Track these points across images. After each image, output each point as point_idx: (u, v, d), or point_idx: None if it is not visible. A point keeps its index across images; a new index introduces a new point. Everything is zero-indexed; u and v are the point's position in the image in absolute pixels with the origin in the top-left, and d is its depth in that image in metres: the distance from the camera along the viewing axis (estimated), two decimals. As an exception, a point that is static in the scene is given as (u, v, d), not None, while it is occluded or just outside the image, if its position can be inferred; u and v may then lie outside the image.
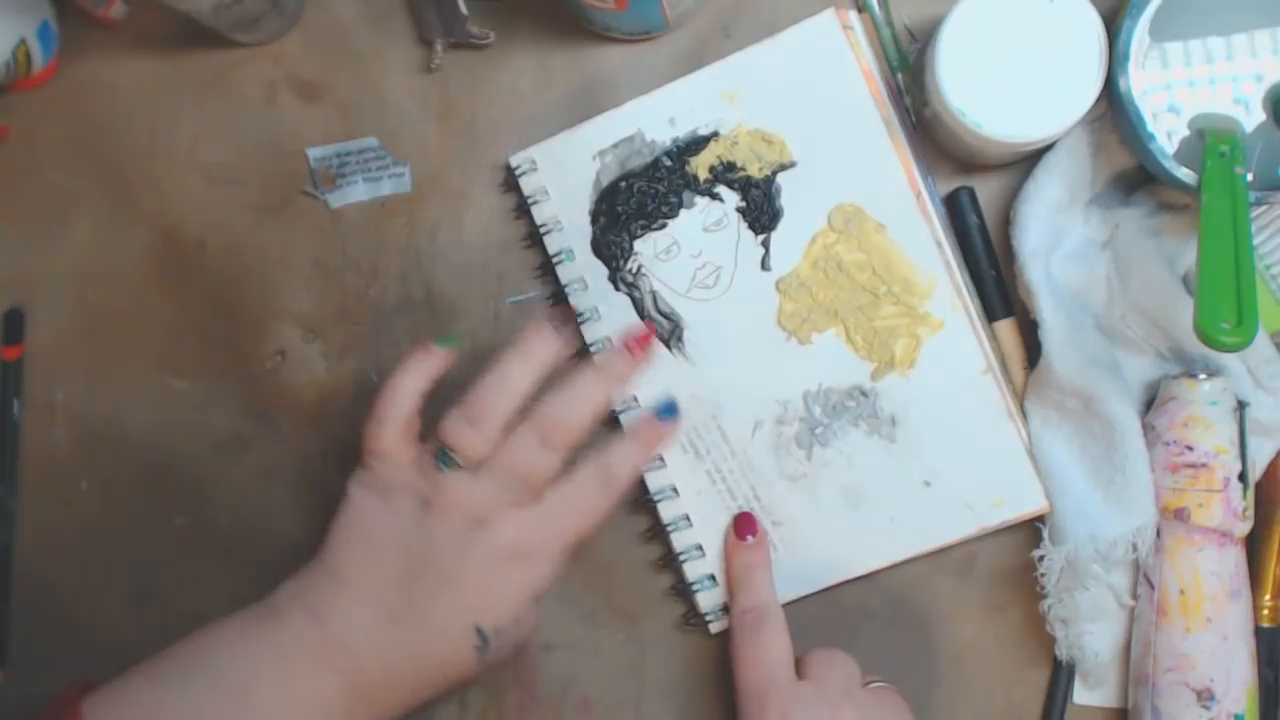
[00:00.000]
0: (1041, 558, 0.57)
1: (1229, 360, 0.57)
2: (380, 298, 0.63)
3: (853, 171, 0.58)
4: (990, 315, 0.59)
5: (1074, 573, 0.56)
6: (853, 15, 0.59)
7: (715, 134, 0.59)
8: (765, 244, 0.59)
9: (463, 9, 0.61)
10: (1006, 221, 0.59)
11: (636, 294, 0.60)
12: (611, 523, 0.61)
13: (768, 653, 0.54)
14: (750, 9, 0.61)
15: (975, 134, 0.54)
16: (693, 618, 0.61)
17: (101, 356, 0.65)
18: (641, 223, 0.60)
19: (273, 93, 0.64)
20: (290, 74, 0.64)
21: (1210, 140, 0.52)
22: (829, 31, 0.58)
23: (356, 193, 0.63)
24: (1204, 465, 0.55)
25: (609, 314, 0.60)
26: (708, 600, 0.60)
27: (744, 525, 0.59)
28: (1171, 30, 0.53)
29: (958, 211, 0.60)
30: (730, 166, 0.59)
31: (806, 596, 0.60)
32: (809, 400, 0.59)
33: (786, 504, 0.59)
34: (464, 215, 0.63)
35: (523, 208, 0.62)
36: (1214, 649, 0.55)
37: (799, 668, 0.55)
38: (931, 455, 0.58)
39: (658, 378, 0.60)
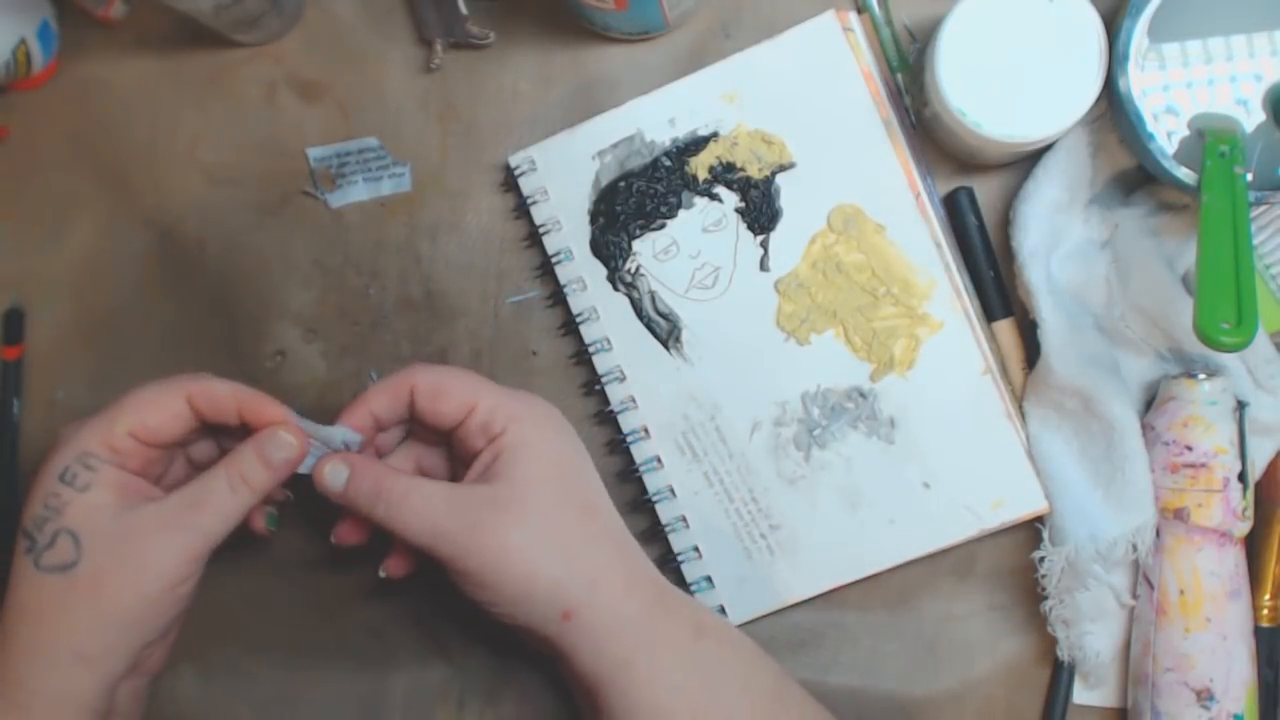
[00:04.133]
0: (1042, 559, 0.57)
1: (1229, 360, 0.57)
2: (380, 298, 0.64)
3: (852, 172, 0.58)
4: (989, 316, 0.59)
5: (1074, 573, 0.56)
6: (853, 16, 0.59)
7: (715, 134, 0.59)
8: (764, 244, 0.59)
9: (463, 9, 0.61)
10: (1006, 221, 0.59)
11: (635, 294, 0.60)
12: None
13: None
14: (750, 9, 0.61)
15: (975, 134, 0.54)
16: (692, 618, 0.61)
17: (101, 356, 0.65)
18: (640, 223, 0.60)
19: (273, 93, 0.64)
20: (290, 74, 0.64)
21: (1210, 140, 0.52)
22: (829, 32, 0.58)
23: (356, 193, 0.63)
24: (1204, 465, 0.55)
25: (608, 314, 0.60)
26: (706, 601, 0.60)
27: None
28: (1171, 31, 0.53)
29: (957, 212, 0.59)
30: (730, 167, 0.59)
31: (805, 600, 0.60)
32: (807, 401, 0.59)
33: (784, 506, 0.59)
34: (464, 215, 0.63)
35: (522, 208, 0.62)
36: (1214, 649, 0.55)
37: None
38: (931, 456, 0.58)
39: (657, 380, 0.60)
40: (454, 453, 0.56)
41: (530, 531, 0.51)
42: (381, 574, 0.55)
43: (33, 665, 0.50)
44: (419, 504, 0.51)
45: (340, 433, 0.54)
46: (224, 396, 0.53)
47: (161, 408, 0.53)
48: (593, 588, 0.51)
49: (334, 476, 0.53)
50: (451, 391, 0.53)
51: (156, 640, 0.53)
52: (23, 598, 0.50)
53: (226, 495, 0.52)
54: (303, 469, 0.54)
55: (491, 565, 0.50)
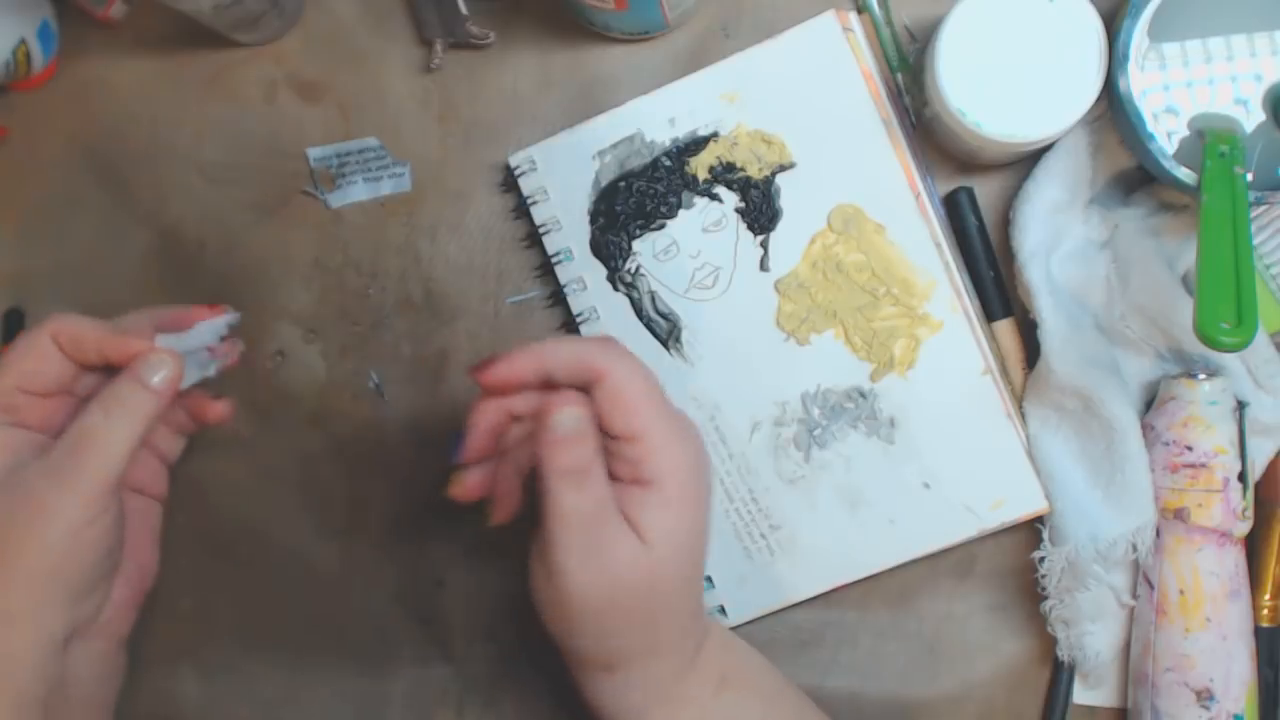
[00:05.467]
0: (1042, 559, 0.57)
1: (1229, 360, 0.57)
2: (380, 298, 0.64)
3: (852, 172, 0.58)
4: (989, 316, 0.59)
5: (1074, 573, 0.56)
6: (853, 17, 0.59)
7: (715, 134, 0.59)
8: (764, 245, 0.59)
9: (463, 9, 0.61)
10: (1006, 222, 0.59)
11: (635, 294, 0.60)
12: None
13: None
14: (750, 9, 0.61)
15: (975, 134, 0.54)
16: (692, 618, 0.61)
17: (101, 356, 0.65)
18: (640, 223, 0.60)
19: (273, 93, 0.64)
20: (290, 74, 0.64)
21: (1210, 140, 0.52)
22: (829, 33, 0.58)
23: (356, 193, 0.63)
24: (1204, 465, 0.55)
25: (608, 314, 0.60)
26: (706, 601, 0.60)
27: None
28: (1171, 31, 0.53)
29: (957, 212, 0.59)
30: (730, 167, 0.59)
31: (805, 600, 0.60)
32: (807, 401, 0.59)
33: (784, 506, 0.59)
34: (464, 215, 0.63)
35: (522, 208, 0.62)
36: (1213, 649, 0.55)
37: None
38: (930, 457, 0.58)
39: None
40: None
41: (644, 593, 0.48)
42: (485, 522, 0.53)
43: None
44: (584, 519, 0.48)
45: (208, 328, 0.53)
46: (85, 336, 0.52)
47: (36, 354, 0.52)
48: (644, 656, 0.50)
49: (570, 420, 0.48)
50: (632, 413, 0.48)
51: (89, 593, 0.51)
52: None
53: (105, 427, 0.49)
54: (186, 384, 0.52)
55: (578, 608, 0.48)
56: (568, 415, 0.47)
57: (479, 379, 0.49)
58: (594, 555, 0.47)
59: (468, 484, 0.52)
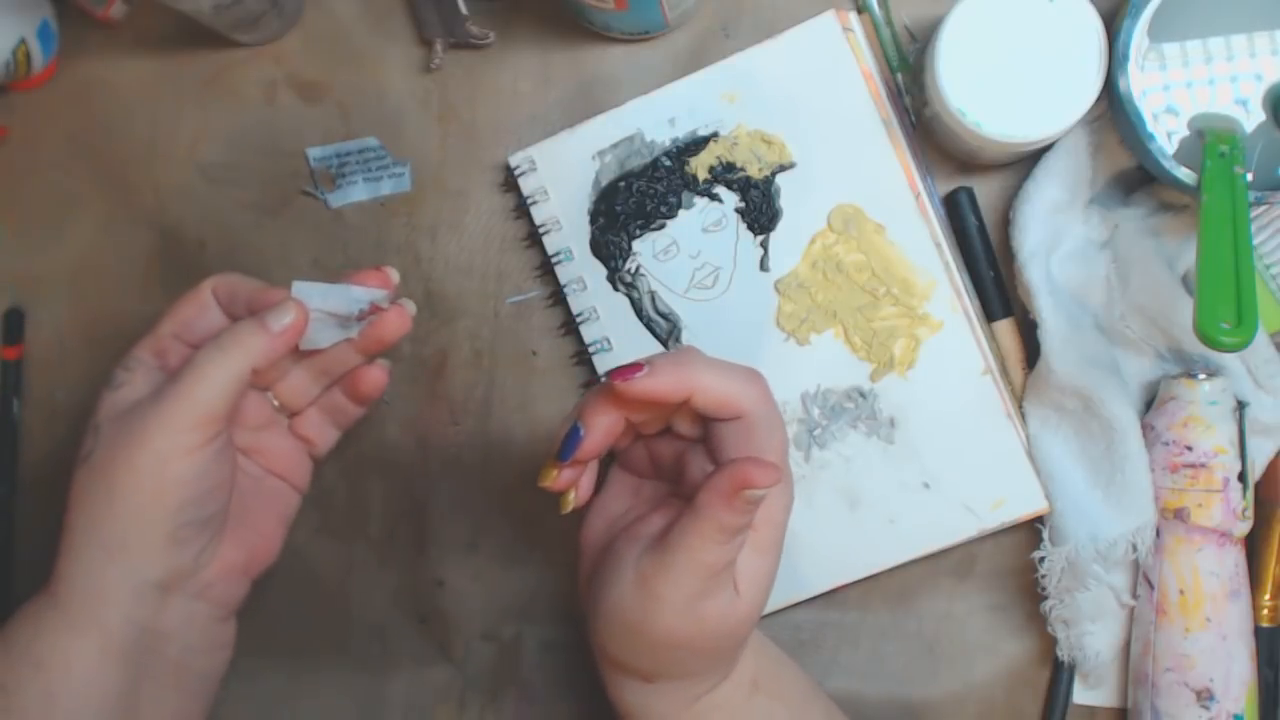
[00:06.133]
0: (1042, 559, 0.57)
1: (1229, 360, 0.57)
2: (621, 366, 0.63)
3: (852, 172, 0.58)
4: (989, 316, 0.59)
5: (1074, 573, 0.56)
6: (853, 16, 0.58)
7: (715, 134, 0.59)
8: (764, 245, 0.59)
9: (463, 9, 0.61)
10: (1006, 222, 0.59)
11: (635, 294, 0.60)
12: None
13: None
14: (750, 9, 0.61)
15: (975, 134, 0.54)
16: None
17: (101, 356, 0.65)
18: (640, 223, 0.60)
19: (273, 93, 0.64)
20: (290, 74, 0.64)
21: (1210, 140, 0.52)
22: (829, 33, 0.58)
23: (356, 193, 0.63)
24: (1204, 465, 0.55)
25: (607, 314, 0.60)
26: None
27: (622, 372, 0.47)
28: (1171, 31, 0.53)
29: (957, 212, 0.59)
30: (730, 167, 0.59)
31: (805, 600, 0.60)
32: (807, 401, 0.59)
33: (785, 505, 0.59)
34: (464, 215, 0.63)
35: (522, 208, 0.62)
36: (1213, 649, 0.55)
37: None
38: (930, 457, 0.58)
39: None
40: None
41: (714, 635, 0.48)
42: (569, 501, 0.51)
43: (67, 560, 0.50)
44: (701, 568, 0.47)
45: (361, 293, 0.52)
46: (239, 290, 0.53)
47: (195, 303, 0.53)
48: (692, 675, 0.50)
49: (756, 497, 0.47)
50: (744, 441, 0.47)
51: (188, 537, 0.50)
52: (68, 495, 0.50)
53: (213, 360, 0.49)
54: (322, 343, 0.52)
55: (649, 639, 0.48)
56: (762, 491, 0.46)
57: (620, 387, 0.47)
58: (698, 600, 0.47)
59: (562, 479, 0.50)
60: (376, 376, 0.56)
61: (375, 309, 0.53)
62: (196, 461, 0.49)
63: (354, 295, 0.53)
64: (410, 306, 0.54)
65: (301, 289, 0.52)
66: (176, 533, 0.50)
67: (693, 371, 0.47)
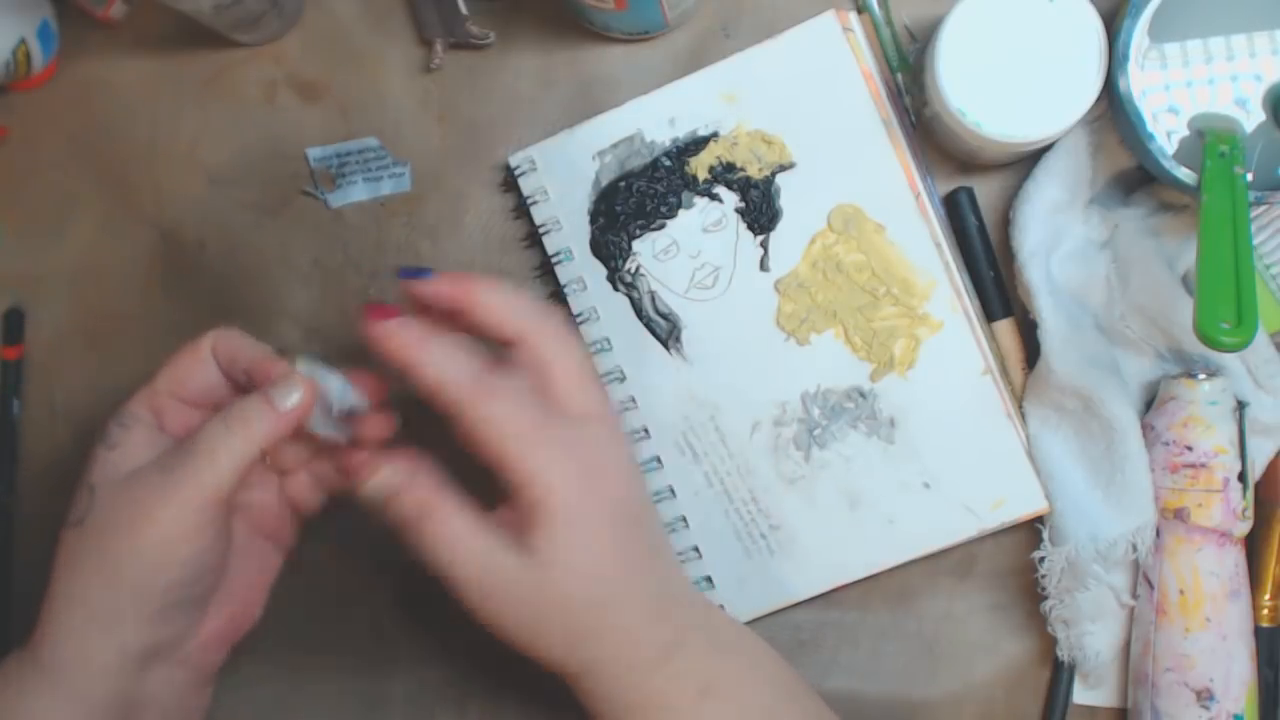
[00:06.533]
0: (1042, 559, 0.57)
1: (1229, 360, 0.57)
2: (380, 298, 0.63)
3: (852, 172, 0.58)
4: (989, 316, 0.59)
5: (1074, 573, 0.56)
6: (853, 16, 0.59)
7: (715, 134, 0.59)
8: (764, 244, 0.59)
9: (463, 9, 0.61)
10: (1006, 222, 0.59)
11: (635, 294, 0.60)
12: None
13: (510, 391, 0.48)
14: (750, 9, 0.61)
15: (975, 134, 0.54)
16: (692, 618, 0.61)
17: (101, 356, 0.65)
18: (640, 223, 0.60)
19: (273, 93, 0.64)
20: (290, 74, 0.64)
21: (1210, 140, 0.52)
22: (829, 33, 0.58)
23: (356, 193, 0.63)
24: (1204, 465, 0.55)
25: (607, 314, 0.60)
26: (707, 601, 0.60)
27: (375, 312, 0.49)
28: (1171, 31, 0.53)
29: (957, 212, 0.59)
30: (730, 167, 0.59)
31: (805, 600, 0.60)
32: (807, 401, 0.59)
33: (784, 506, 0.59)
34: (464, 215, 0.63)
35: (522, 208, 0.62)
36: (1213, 649, 0.55)
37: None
38: (930, 457, 0.58)
39: (657, 380, 0.60)
40: None
41: (560, 614, 0.49)
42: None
43: (53, 624, 0.49)
44: (461, 554, 0.48)
45: (350, 393, 0.52)
46: (241, 352, 0.52)
47: (192, 359, 0.52)
48: (604, 663, 0.49)
49: (378, 488, 0.49)
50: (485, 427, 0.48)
51: (175, 613, 0.50)
52: (55, 556, 0.50)
53: (221, 439, 0.49)
54: (318, 428, 0.51)
55: (512, 632, 0.49)
56: (288, 384, 0.49)
57: (409, 284, 0.50)
58: (493, 568, 0.48)
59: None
60: (365, 463, 0.54)
61: (355, 416, 0.52)
62: (199, 542, 0.49)
63: (345, 393, 0.52)
64: (396, 421, 0.54)
65: (306, 367, 0.51)
66: (167, 609, 0.50)
67: (478, 288, 0.50)
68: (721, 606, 0.60)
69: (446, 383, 0.48)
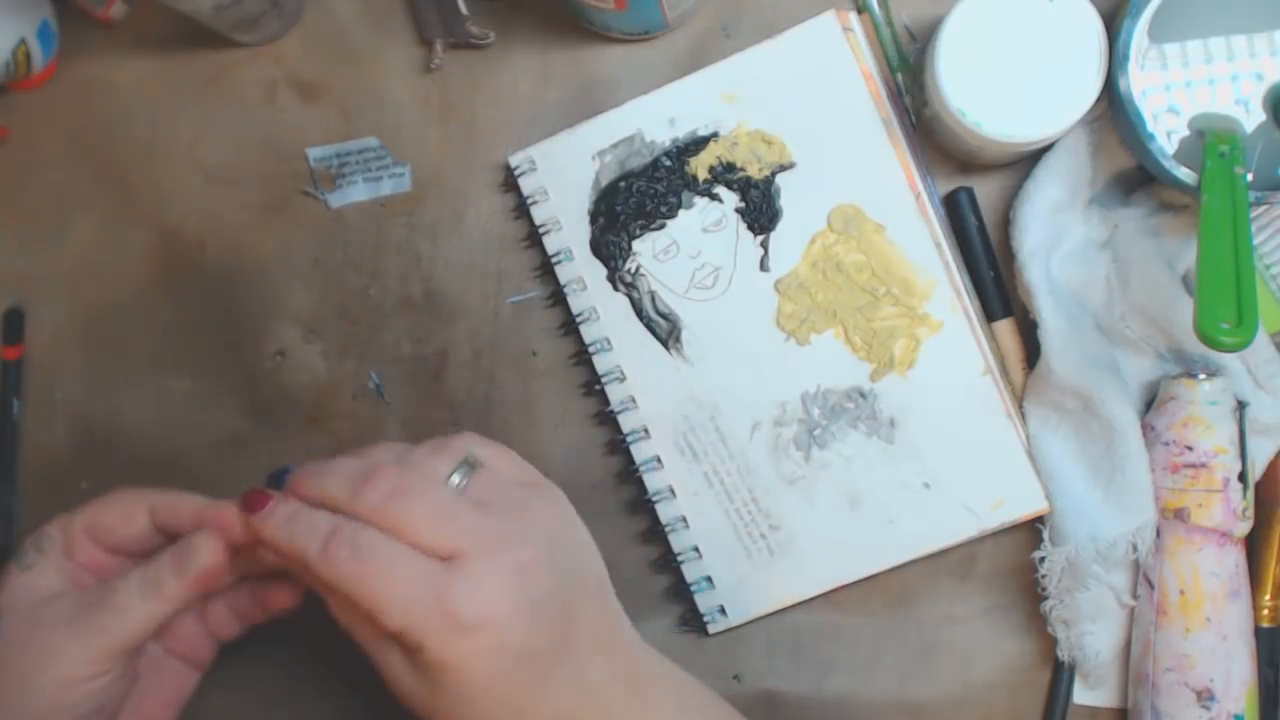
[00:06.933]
0: (1042, 559, 0.57)
1: (1229, 360, 0.57)
2: (380, 298, 0.64)
3: (852, 172, 0.58)
4: (989, 316, 0.59)
5: (1074, 573, 0.56)
6: (853, 16, 0.59)
7: (715, 134, 0.59)
8: (764, 245, 0.59)
9: (463, 9, 0.61)
10: (1006, 222, 0.59)
11: (635, 294, 0.60)
12: (611, 524, 0.61)
13: (394, 567, 0.45)
14: (750, 9, 0.61)
15: (975, 134, 0.54)
16: (691, 619, 0.61)
17: (101, 356, 0.65)
18: (640, 223, 0.60)
19: (273, 93, 0.64)
20: (290, 74, 0.64)
21: (1210, 140, 0.52)
22: (829, 33, 0.58)
23: (356, 193, 0.63)
24: (1204, 465, 0.55)
25: (607, 314, 0.60)
26: (706, 601, 0.60)
27: (253, 502, 0.49)
28: (1171, 31, 0.53)
29: (957, 212, 0.59)
30: (730, 167, 0.59)
31: (805, 600, 0.60)
32: (807, 401, 0.59)
33: (784, 506, 0.59)
34: (464, 215, 0.63)
35: (522, 208, 0.62)
36: (1214, 649, 0.55)
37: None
38: (931, 457, 0.58)
39: (657, 380, 0.60)
40: None
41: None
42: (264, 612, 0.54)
43: None
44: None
45: None
46: (180, 509, 0.52)
47: (123, 514, 0.52)
48: None
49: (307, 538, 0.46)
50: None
51: None
52: None
53: (134, 599, 0.49)
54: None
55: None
56: (196, 545, 0.49)
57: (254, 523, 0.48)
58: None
59: (273, 597, 0.53)
60: (286, 599, 0.55)
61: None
62: (97, 687, 0.49)
63: None
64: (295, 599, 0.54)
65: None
66: None
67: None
68: (721, 607, 0.60)
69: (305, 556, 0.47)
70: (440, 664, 0.45)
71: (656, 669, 0.51)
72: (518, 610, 0.46)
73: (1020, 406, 0.58)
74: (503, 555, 0.46)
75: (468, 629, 0.45)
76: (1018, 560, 0.60)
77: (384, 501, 0.46)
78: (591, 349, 0.61)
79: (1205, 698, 0.54)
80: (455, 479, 0.48)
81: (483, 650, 0.45)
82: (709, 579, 0.60)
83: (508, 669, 0.46)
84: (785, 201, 0.59)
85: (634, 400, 0.60)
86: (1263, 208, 0.57)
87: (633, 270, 0.60)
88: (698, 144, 0.59)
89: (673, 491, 0.60)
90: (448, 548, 0.46)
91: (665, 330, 0.60)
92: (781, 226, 0.59)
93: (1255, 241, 0.56)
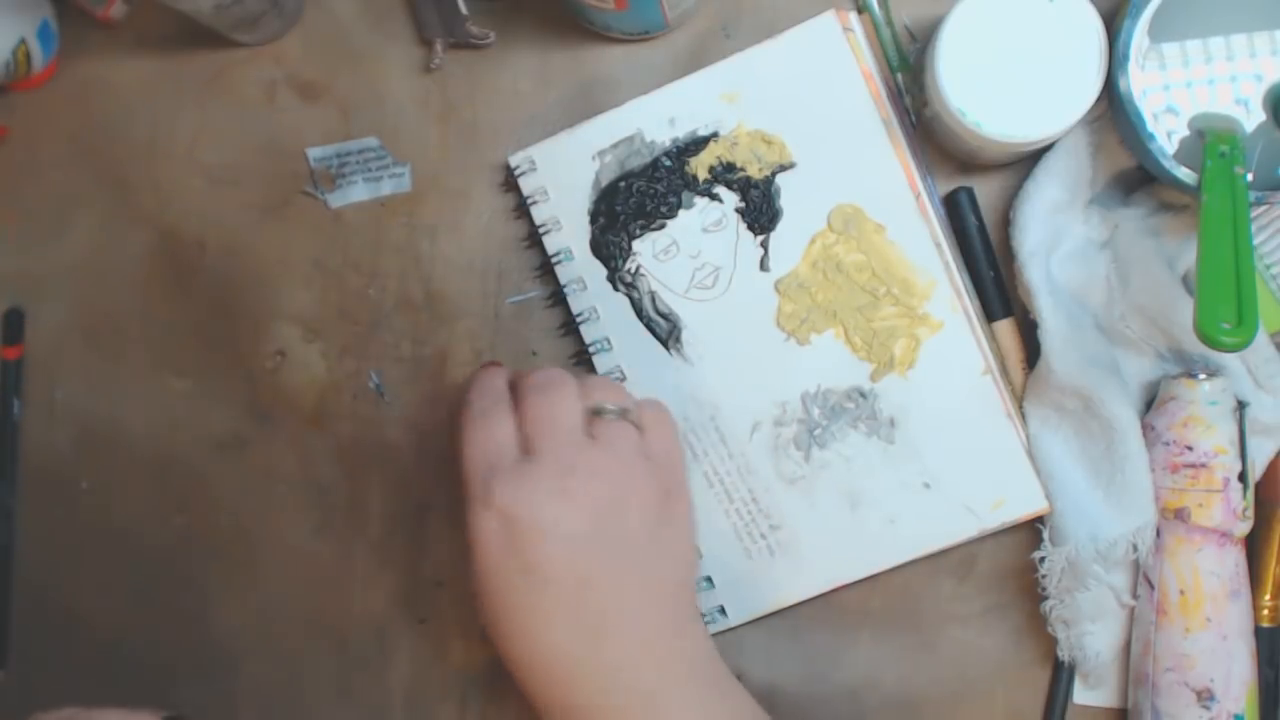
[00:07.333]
0: (1042, 559, 0.57)
1: (1229, 360, 0.57)
2: (380, 298, 0.64)
3: (852, 172, 0.58)
4: (989, 316, 0.59)
5: (1075, 573, 0.56)
6: (853, 16, 0.58)
7: (715, 134, 0.59)
8: (764, 245, 0.59)
9: (463, 9, 0.61)
10: (1006, 222, 0.59)
11: (635, 294, 0.60)
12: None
13: (492, 434, 0.51)
14: (750, 9, 0.61)
15: (975, 134, 0.54)
16: (692, 618, 0.61)
17: (101, 356, 0.65)
18: (640, 223, 0.60)
19: (273, 93, 0.64)
20: (290, 74, 0.64)
21: (1210, 140, 0.52)
22: (829, 33, 0.58)
23: (356, 193, 0.63)
24: (1204, 465, 0.55)
25: (607, 314, 0.60)
26: (706, 601, 0.60)
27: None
28: (1171, 31, 0.53)
29: (957, 212, 0.59)
30: (730, 167, 0.59)
31: (805, 600, 0.60)
32: (807, 401, 0.59)
33: (785, 506, 0.59)
34: (464, 215, 0.63)
35: (522, 208, 0.62)
36: (1214, 649, 0.55)
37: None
38: (931, 457, 0.58)
39: (657, 380, 0.60)
40: None
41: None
42: None
43: None
44: None
45: None
46: None
47: None
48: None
49: None
50: None
51: None
52: None
53: None
54: None
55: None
56: None
57: None
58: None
59: None
60: None
61: None
62: None
63: None
64: None
65: None
66: None
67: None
68: (721, 608, 0.60)
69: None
70: (470, 529, 0.49)
71: (705, 692, 0.51)
72: (534, 524, 0.49)
73: (1020, 406, 0.58)
74: (562, 480, 0.49)
75: (493, 511, 0.49)
76: (1018, 560, 0.60)
77: (535, 386, 0.52)
78: (591, 349, 0.61)
79: (1205, 698, 0.54)
80: (607, 409, 0.52)
81: (494, 535, 0.49)
82: (709, 579, 0.60)
83: (511, 574, 0.49)
84: (785, 201, 0.59)
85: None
86: (1263, 208, 0.57)
87: (633, 270, 0.60)
88: (698, 144, 0.59)
89: (673, 491, 0.60)
90: (535, 447, 0.50)
91: (665, 330, 0.60)
92: (781, 226, 0.59)
93: (1255, 241, 0.56)
